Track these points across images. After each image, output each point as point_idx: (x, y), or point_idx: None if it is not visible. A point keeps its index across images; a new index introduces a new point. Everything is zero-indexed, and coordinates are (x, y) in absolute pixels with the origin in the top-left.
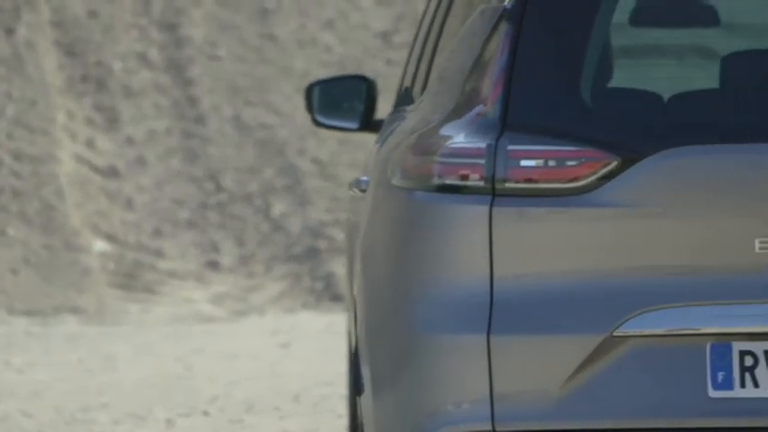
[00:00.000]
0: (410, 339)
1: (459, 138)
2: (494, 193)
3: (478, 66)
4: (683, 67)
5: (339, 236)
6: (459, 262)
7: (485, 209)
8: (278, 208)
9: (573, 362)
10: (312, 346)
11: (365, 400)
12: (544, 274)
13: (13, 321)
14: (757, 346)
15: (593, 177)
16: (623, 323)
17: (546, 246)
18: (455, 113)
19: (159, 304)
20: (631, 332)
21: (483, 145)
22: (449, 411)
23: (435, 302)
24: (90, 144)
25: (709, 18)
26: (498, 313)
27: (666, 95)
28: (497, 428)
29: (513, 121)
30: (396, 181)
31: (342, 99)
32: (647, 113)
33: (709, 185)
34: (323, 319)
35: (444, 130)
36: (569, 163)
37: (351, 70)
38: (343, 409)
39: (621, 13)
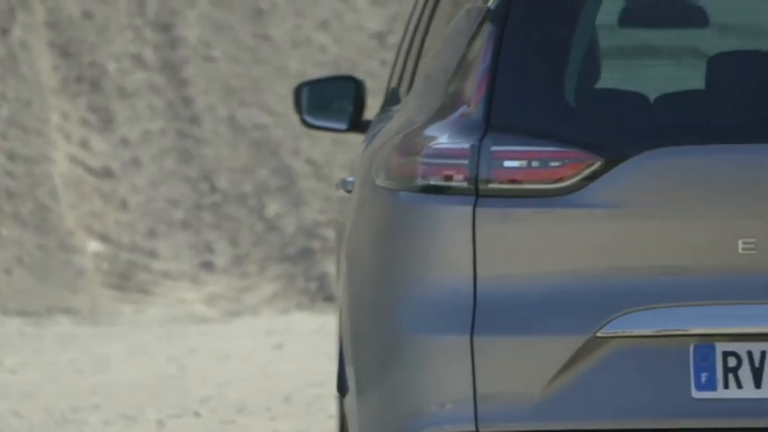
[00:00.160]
0: (393, 340)
1: (442, 138)
2: (477, 194)
3: (463, 66)
4: (678, 67)
5: (333, 236)
6: (443, 263)
7: (468, 209)
8: (272, 208)
9: (556, 362)
10: (305, 347)
11: (349, 401)
12: (527, 275)
13: (7, 322)
14: (740, 347)
15: (577, 178)
16: (607, 324)
17: (529, 246)
18: (439, 114)
19: (153, 305)
20: (615, 333)
21: (466, 146)
22: (432, 412)
23: (419, 303)
24: (84, 144)
25: (699, 18)
26: (481, 314)
27: (654, 96)
28: (481, 429)
29: (497, 121)
30: (380, 181)
31: (331, 100)
32: (632, 114)
33: (692, 186)
34: (316, 320)
35: (428, 131)
36: (553, 164)
37: (345, 71)
38: (334, 409)
39: (611, 14)
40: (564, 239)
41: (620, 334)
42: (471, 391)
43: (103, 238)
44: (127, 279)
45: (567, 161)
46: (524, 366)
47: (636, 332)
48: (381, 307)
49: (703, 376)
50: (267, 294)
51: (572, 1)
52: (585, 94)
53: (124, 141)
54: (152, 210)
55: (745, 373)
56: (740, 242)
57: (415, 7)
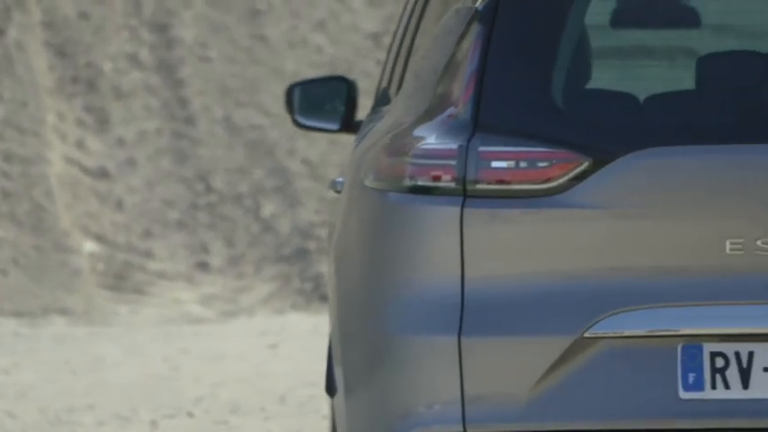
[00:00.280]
0: (382, 340)
1: (430, 139)
2: (465, 195)
3: (451, 66)
4: (674, 68)
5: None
6: (431, 263)
7: (456, 210)
8: (268, 209)
9: (544, 363)
10: (300, 347)
11: (338, 401)
12: (515, 276)
13: (2, 322)
14: (728, 348)
15: (565, 178)
16: (594, 324)
17: (517, 247)
18: (428, 114)
19: (148, 305)
20: (602, 333)
21: (454, 146)
22: (420, 413)
23: (407, 304)
24: (80, 145)
25: (690, 19)
26: (469, 315)
27: (644, 97)
28: (468, 430)
29: (485, 122)
30: (369, 182)
31: (323, 100)
32: (620, 114)
33: (680, 186)
34: (311, 320)
35: (417, 132)
36: (540, 164)
37: (342, 71)
38: (328, 409)
39: (603, 15)
40: (552, 240)
41: (608, 334)
42: (459, 392)
43: (99, 238)
44: (122, 279)
45: (554, 161)
46: (512, 367)
47: (623, 332)
48: (369, 307)
49: (691, 377)
50: (263, 295)
51: (560, 2)
52: (574, 94)
53: (120, 142)
54: (148, 210)
55: (733, 373)
56: (728, 242)
57: (405, 7)
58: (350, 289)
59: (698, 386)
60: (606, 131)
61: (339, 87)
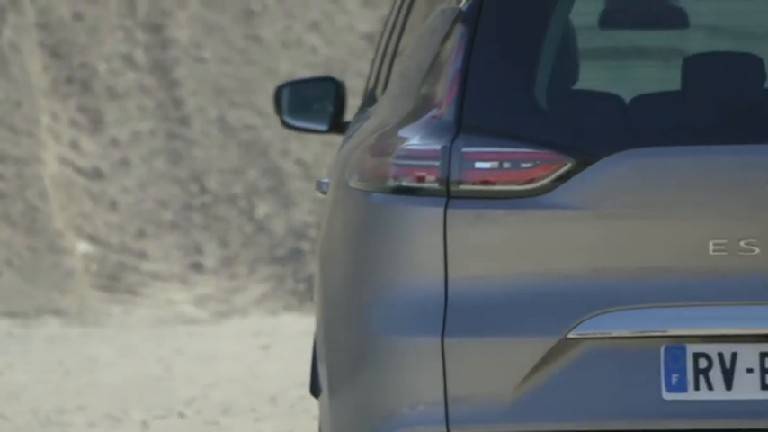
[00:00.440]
0: (365, 341)
1: (414, 140)
2: (448, 195)
3: (435, 67)
4: (665, 69)
5: None
6: (415, 264)
7: (439, 211)
8: (262, 209)
9: (527, 364)
10: (293, 348)
11: (322, 402)
12: (499, 276)
13: None
14: (711, 349)
15: (548, 179)
16: (578, 325)
17: (501, 248)
18: (412, 115)
19: (142, 306)
20: (586, 334)
21: (438, 147)
22: (403, 414)
23: (390, 304)
24: (74, 146)
25: (679, 20)
26: (453, 315)
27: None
28: (452, 431)
29: (468, 123)
30: (353, 183)
31: (311, 101)
32: (604, 115)
33: (663, 187)
34: (304, 321)
35: (400, 132)
36: (524, 165)
37: (336, 72)
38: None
39: (591, 15)
40: (535, 240)
41: (592, 335)
42: (442, 393)
43: (93, 239)
44: (116, 280)
45: (538, 162)
46: (496, 367)
47: (607, 333)
48: (353, 308)
49: (674, 377)
50: (256, 295)
51: (544, 3)
52: (558, 95)
53: (114, 142)
54: (141, 211)
55: (716, 374)
56: (711, 243)
57: (393, 7)
58: (334, 289)
59: (681, 387)
60: (590, 132)
61: (328, 88)
